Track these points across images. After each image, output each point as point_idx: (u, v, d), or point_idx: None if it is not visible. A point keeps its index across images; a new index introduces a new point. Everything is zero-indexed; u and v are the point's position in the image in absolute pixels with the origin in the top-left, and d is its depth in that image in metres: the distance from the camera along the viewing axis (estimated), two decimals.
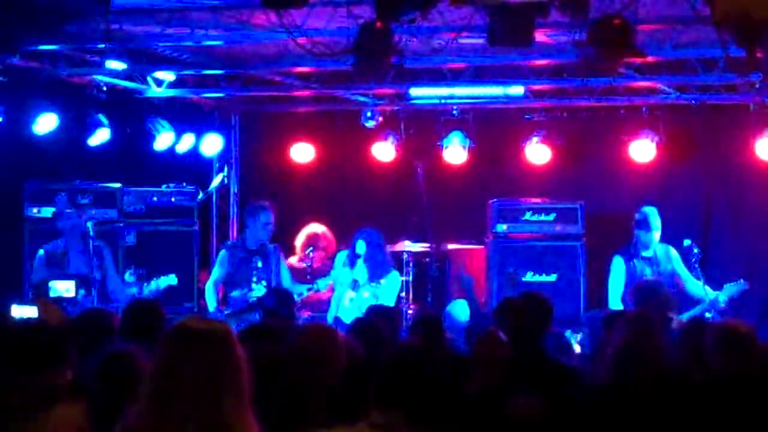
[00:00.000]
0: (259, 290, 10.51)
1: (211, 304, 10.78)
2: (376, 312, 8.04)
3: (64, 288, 9.82)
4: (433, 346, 4.37)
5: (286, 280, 10.74)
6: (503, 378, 5.71)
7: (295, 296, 9.77)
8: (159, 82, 12.29)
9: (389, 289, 10.77)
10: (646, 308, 7.64)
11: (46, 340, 4.37)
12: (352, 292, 10.63)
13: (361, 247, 10.66)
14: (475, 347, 6.32)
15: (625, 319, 6.47)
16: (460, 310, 10.47)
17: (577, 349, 9.26)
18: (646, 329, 6.10)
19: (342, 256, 10.94)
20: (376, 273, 10.71)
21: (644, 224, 11.13)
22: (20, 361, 4.33)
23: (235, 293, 10.61)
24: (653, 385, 4.42)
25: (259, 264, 10.63)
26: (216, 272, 10.95)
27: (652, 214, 11.17)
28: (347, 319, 9.93)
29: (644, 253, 11.08)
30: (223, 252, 11.02)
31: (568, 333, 10.79)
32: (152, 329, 6.12)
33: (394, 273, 10.91)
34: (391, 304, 10.50)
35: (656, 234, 11.15)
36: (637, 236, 11.20)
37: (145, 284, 10.27)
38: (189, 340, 3.71)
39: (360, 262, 10.63)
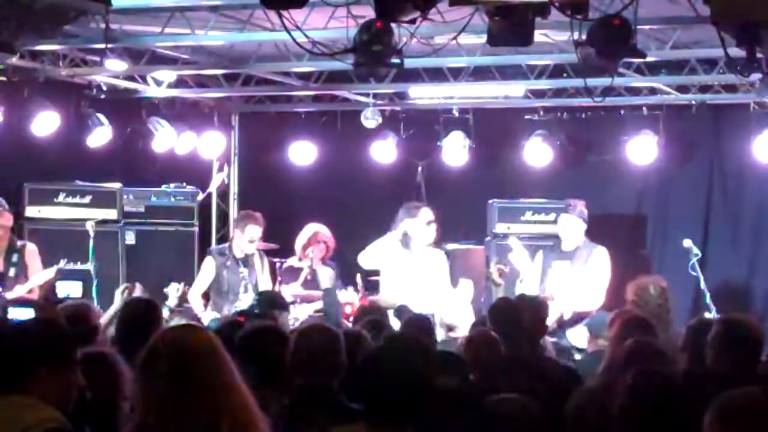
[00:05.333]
0: (247, 300, 10.31)
1: (199, 310, 10.45)
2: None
3: (72, 289, 9.77)
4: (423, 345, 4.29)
5: (267, 287, 10.54)
6: (490, 377, 5.71)
7: None
8: (159, 82, 12.29)
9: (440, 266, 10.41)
10: (647, 308, 7.62)
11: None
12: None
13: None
14: (464, 346, 6.33)
15: (624, 319, 6.48)
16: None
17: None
18: (644, 330, 6.11)
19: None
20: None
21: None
22: None
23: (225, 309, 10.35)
24: (649, 386, 4.41)
25: (245, 273, 10.46)
26: (201, 280, 10.57)
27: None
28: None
29: (564, 247, 10.60)
30: (209, 259, 10.80)
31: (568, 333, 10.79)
32: (148, 328, 6.11)
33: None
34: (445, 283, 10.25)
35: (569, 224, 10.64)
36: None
37: None
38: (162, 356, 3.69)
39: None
